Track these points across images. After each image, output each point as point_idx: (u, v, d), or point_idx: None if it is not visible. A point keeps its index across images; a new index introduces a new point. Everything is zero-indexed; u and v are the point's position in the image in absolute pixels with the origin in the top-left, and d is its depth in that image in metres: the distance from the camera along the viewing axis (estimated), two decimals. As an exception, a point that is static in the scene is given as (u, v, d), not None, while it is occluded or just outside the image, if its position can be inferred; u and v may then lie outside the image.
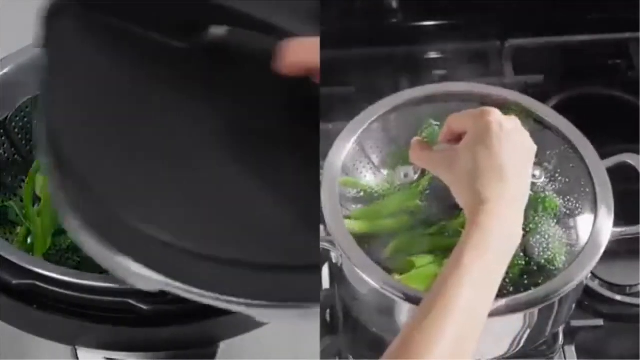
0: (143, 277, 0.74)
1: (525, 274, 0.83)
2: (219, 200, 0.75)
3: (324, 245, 0.85)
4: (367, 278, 0.83)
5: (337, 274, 0.92)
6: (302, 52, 0.76)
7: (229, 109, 0.79)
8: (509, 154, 0.78)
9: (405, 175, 0.87)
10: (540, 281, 0.82)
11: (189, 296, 0.74)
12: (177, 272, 0.73)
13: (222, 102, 0.79)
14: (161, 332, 0.81)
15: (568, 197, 0.87)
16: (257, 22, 0.77)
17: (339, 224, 0.85)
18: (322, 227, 0.85)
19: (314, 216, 0.78)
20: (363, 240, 0.85)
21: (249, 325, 0.84)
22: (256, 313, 0.75)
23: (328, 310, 0.96)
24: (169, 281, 0.73)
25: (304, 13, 0.78)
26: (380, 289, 0.83)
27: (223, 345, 0.82)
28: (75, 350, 0.82)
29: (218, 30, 0.80)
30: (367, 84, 1.14)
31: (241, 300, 0.74)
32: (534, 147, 0.81)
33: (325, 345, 0.92)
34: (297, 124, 0.79)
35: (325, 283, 0.97)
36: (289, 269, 0.74)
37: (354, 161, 0.90)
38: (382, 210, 0.88)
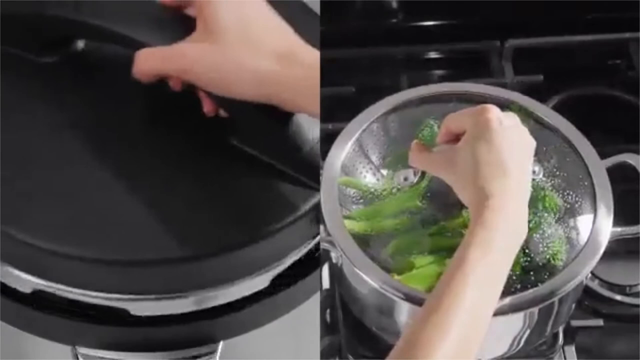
0: (19, 278, 0.80)
1: (531, 271, 0.83)
2: (86, 203, 0.80)
3: (324, 245, 0.85)
4: (367, 278, 0.83)
5: (337, 274, 0.92)
6: (152, 61, 0.82)
7: (93, 116, 0.85)
8: (510, 150, 0.78)
9: (405, 179, 0.87)
10: (546, 277, 0.82)
11: (61, 294, 0.80)
12: (46, 272, 0.80)
13: (87, 109, 0.85)
14: (161, 332, 0.81)
15: (568, 191, 0.87)
16: (116, 35, 0.83)
17: (339, 224, 0.85)
18: (322, 227, 0.85)
19: (170, 214, 0.81)
20: (363, 240, 0.85)
21: (249, 325, 0.84)
22: (132, 307, 0.80)
23: (328, 310, 0.96)
24: (40, 281, 0.80)
25: (162, 26, 0.83)
26: (380, 289, 0.83)
27: (223, 345, 0.82)
28: (75, 350, 0.82)
29: (82, 45, 0.88)
30: (367, 84, 1.14)
31: (110, 295, 0.80)
32: (534, 143, 0.81)
33: (325, 345, 0.92)
34: (154, 124, 0.85)
35: (325, 283, 0.97)
36: (151, 263, 0.79)
37: (354, 161, 0.90)
38: (382, 210, 0.88)
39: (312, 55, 0.79)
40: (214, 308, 0.81)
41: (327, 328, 0.95)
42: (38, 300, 0.81)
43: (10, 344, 0.86)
